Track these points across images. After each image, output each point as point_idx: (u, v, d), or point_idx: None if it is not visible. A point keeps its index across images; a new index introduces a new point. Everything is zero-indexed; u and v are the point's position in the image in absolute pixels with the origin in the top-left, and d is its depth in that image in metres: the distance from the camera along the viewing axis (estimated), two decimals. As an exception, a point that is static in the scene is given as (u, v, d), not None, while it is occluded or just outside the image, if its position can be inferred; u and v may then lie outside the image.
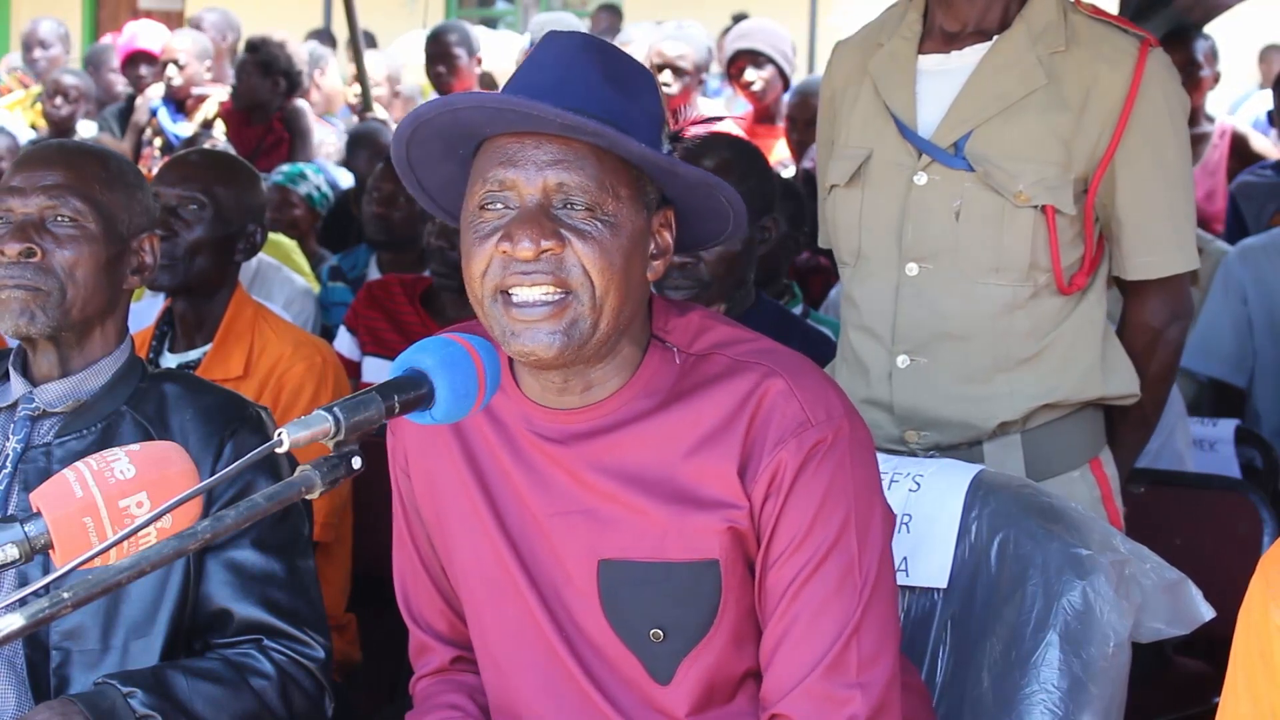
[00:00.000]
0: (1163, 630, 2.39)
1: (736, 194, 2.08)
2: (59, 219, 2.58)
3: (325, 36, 11.97)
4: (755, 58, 6.82)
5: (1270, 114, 6.33)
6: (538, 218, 1.98)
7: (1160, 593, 2.38)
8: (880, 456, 2.27)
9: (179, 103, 7.91)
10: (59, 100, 8.29)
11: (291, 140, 7.31)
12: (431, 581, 2.28)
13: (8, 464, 2.57)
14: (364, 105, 8.31)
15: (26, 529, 1.70)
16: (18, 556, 1.70)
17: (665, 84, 6.41)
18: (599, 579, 2.10)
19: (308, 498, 1.69)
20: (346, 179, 6.99)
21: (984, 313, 2.85)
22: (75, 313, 2.58)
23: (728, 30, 8.79)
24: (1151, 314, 2.96)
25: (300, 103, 7.52)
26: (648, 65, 6.40)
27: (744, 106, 7.27)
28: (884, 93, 2.94)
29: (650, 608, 2.09)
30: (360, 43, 8.38)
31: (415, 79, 8.90)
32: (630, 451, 2.08)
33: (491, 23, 15.46)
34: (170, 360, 3.64)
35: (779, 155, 6.62)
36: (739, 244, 3.37)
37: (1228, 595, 2.18)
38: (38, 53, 9.83)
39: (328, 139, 7.93)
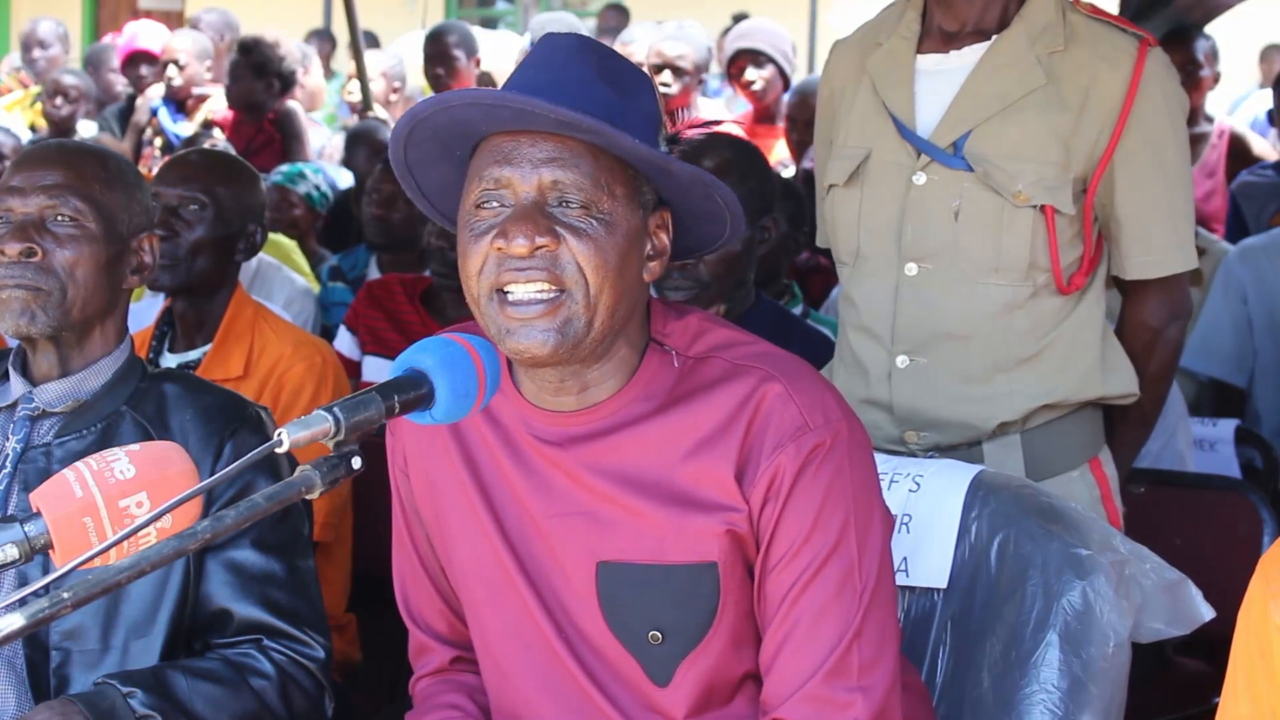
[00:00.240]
0: (1163, 630, 2.39)
1: (733, 195, 2.08)
2: (59, 219, 2.58)
3: (325, 36, 11.99)
4: (755, 57, 6.82)
5: (1270, 114, 6.32)
6: (533, 215, 1.98)
7: (1160, 593, 2.38)
8: (880, 457, 2.27)
9: (179, 103, 7.91)
10: (59, 100, 8.29)
11: (285, 142, 7.30)
12: (431, 582, 2.28)
13: (7, 464, 2.57)
14: (364, 105, 8.31)
15: (26, 529, 1.70)
16: (18, 556, 1.70)
17: (665, 84, 6.41)
18: (598, 581, 2.10)
19: (308, 498, 1.69)
20: (344, 179, 6.99)
21: (983, 313, 2.85)
22: (75, 312, 2.58)
23: (728, 30, 8.79)
24: (1150, 313, 2.96)
25: (293, 105, 7.51)
26: (648, 65, 6.41)
27: (744, 106, 7.27)
28: (882, 92, 2.94)
29: (649, 610, 2.09)
30: (360, 43, 8.38)
31: (417, 80, 8.90)
32: (629, 454, 2.08)
33: (491, 23, 15.47)
34: (170, 360, 3.64)
35: (779, 155, 6.62)
36: (739, 244, 3.37)
37: (1228, 595, 2.18)
38: (37, 53, 9.83)
39: (318, 139, 7.94)
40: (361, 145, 6.97)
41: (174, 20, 13.29)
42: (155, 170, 4.44)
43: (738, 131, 5.16)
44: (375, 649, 3.67)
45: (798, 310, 4.18)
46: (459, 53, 7.59)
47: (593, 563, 2.09)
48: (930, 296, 2.86)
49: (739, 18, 9.29)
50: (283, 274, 5.06)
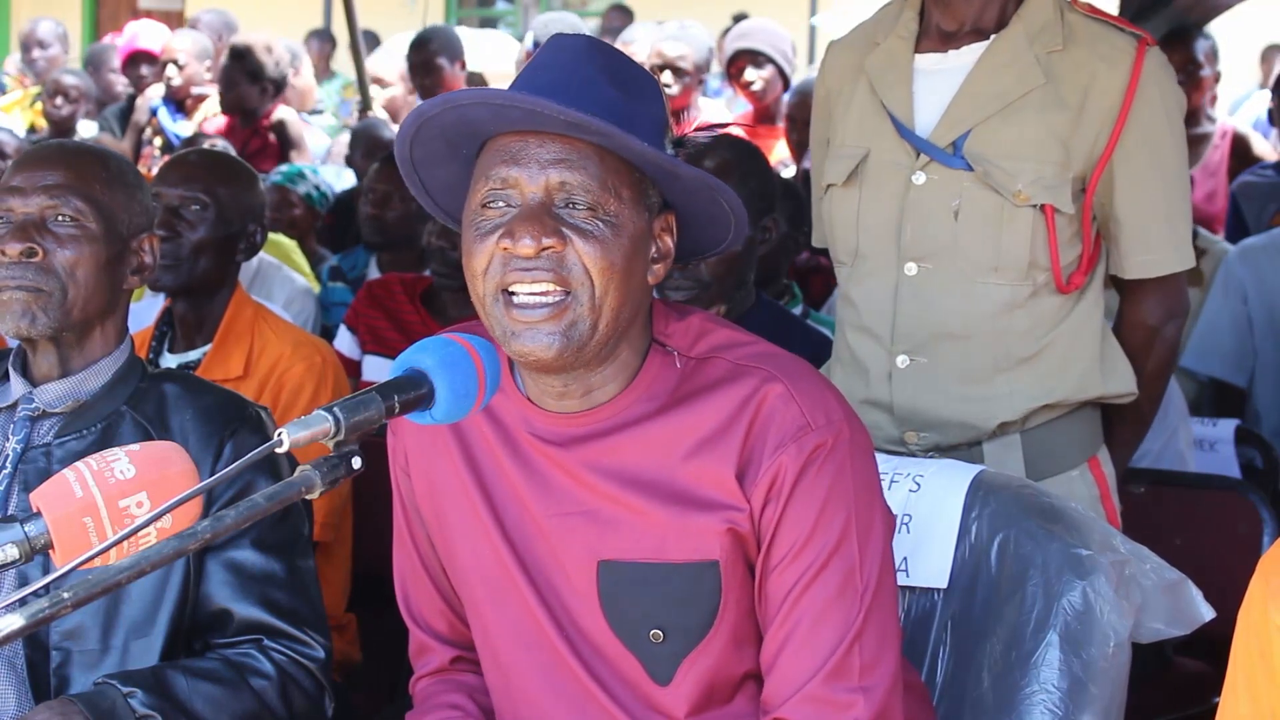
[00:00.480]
0: (1163, 630, 2.39)
1: (738, 199, 2.09)
2: (60, 219, 2.58)
3: (325, 36, 11.99)
4: (755, 57, 6.81)
5: (1270, 114, 6.32)
6: (539, 215, 1.98)
7: (1160, 593, 2.38)
8: (880, 457, 2.27)
9: (179, 103, 7.91)
10: (59, 100, 8.29)
11: (284, 151, 7.31)
12: (431, 582, 2.28)
13: (8, 464, 2.57)
14: (364, 105, 8.31)
15: (26, 529, 1.70)
16: (18, 556, 1.70)
17: (666, 84, 6.41)
18: (598, 580, 2.10)
19: (308, 498, 1.69)
20: (348, 179, 6.98)
21: (983, 312, 2.85)
22: (76, 313, 2.58)
23: (728, 30, 8.78)
24: (1148, 312, 2.96)
25: (286, 112, 7.50)
26: (648, 65, 6.41)
27: (744, 106, 7.27)
28: (880, 92, 2.94)
29: (650, 609, 2.09)
30: (360, 43, 8.38)
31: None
32: (630, 454, 2.08)
33: (492, 22, 15.48)
34: (170, 360, 3.65)
35: (779, 155, 6.62)
36: (739, 244, 3.36)
37: (1228, 595, 2.18)
38: (36, 53, 9.83)
39: (318, 139, 7.93)
40: (362, 145, 6.97)
41: (174, 20, 13.29)
42: (155, 170, 4.44)
43: (739, 132, 5.16)
44: (375, 649, 3.67)
45: (798, 310, 4.18)
46: (442, 60, 7.52)
47: (594, 562, 2.09)
48: (930, 296, 2.86)
49: (739, 18, 9.28)
50: (283, 274, 5.06)
